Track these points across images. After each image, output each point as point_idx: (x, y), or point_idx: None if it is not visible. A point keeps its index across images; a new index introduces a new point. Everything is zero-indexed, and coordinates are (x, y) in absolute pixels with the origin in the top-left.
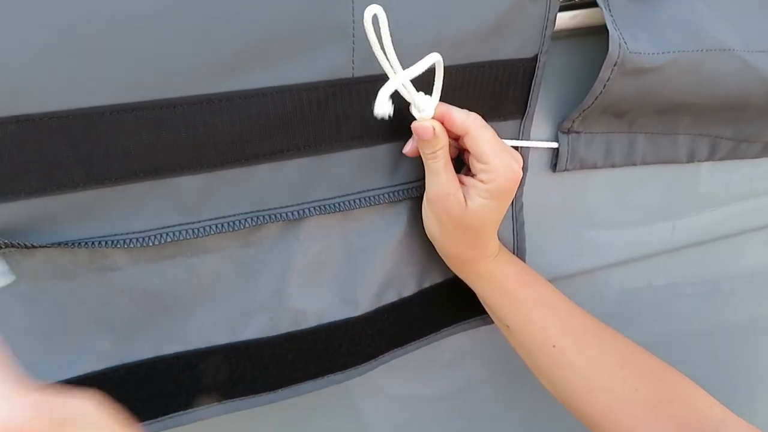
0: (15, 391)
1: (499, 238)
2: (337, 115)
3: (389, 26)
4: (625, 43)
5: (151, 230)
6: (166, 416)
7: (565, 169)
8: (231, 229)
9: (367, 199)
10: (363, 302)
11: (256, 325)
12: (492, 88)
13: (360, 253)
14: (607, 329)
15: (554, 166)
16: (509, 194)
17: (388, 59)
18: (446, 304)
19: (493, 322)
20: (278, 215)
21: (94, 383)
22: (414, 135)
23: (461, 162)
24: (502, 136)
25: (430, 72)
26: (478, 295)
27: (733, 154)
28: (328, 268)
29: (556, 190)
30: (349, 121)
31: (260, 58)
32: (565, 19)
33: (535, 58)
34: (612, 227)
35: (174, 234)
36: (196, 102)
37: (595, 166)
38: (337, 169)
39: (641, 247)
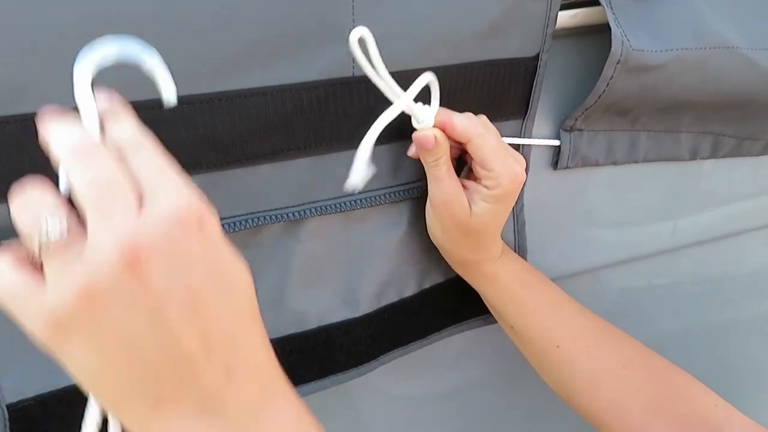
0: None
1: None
2: (337, 114)
3: (388, 27)
4: (627, 40)
5: None
6: None
7: (567, 167)
8: (231, 231)
9: (368, 199)
10: (363, 302)
11: None
12: (493, 88)
13: (361, 253)
14: (612, 328)
15: (555, 164)
16: (513, 197)
17: (387, 84)
18: (447, 304)
19: (493, 323)
20: (279, 216)
21: None
22: (414, 143)
23: (462, 161)
24: (503, 135)
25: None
26: (482, 296)
27: (735, 152)
28: (329, 269)
29: (557, 188)
30: (350, 120)
31: (260, 58)
32: (566, 17)
33: (536, 57)
34: (613, 226)
35: None
36: (196, 102)
37: (596, 164)
38: (337, 169)
39: (642, 246)
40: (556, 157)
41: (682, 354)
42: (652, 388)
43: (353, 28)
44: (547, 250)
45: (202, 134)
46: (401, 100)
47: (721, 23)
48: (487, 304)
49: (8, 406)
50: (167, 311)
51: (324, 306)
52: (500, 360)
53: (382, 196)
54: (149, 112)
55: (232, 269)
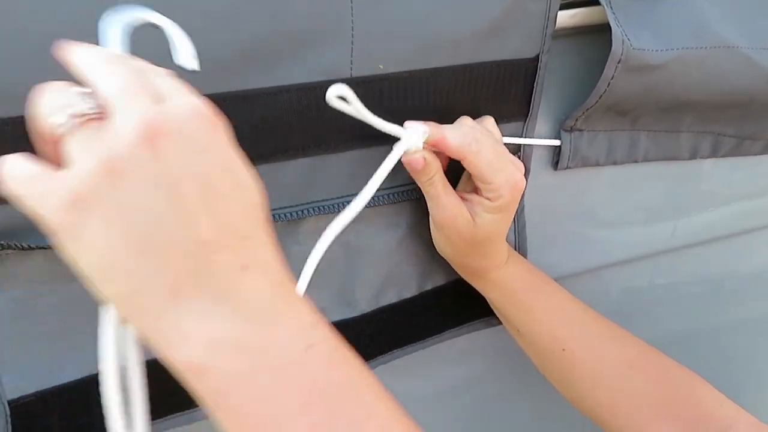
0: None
1: None
2: (335, 115)
3: (388, 27)
4: (628, 39)
5: None
6: (167, 416)
7: (567, 167)
8: None
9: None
10: (362, 303)
11: None
12: (494, 89)
13: (359, 254)
14: (617, 329)
15: (556, 165)
16: (515, 204)
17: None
18: (449, 306)
19: (495, 325)
20: (277, 216)
21: (95, 385)
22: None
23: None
24: (504, 136)
25: None
26: (489, 301)
27: (735, 152)
28: (328, 269)
29: (557, 188)
30: (348, 121)
31: (258, 59)
32: (565, 17)
33: (536, 58)
34: (613, 226)
35: None
36: None
37: (597, 164)
38: (336, 169)
39: (643, 246)
40: (556, 158)
41: (683, 354)
42: (658, 388)
43: (353, 28)
44: (547, 250)
45: None
46: (397, 149)
47: (721, 23)
48: (493, 309)
49: (9, 402)
50: (185, 190)
51: (322, 306)
52: (501, 359)
53: (382, 197)
54: None
55: (244, 171)
